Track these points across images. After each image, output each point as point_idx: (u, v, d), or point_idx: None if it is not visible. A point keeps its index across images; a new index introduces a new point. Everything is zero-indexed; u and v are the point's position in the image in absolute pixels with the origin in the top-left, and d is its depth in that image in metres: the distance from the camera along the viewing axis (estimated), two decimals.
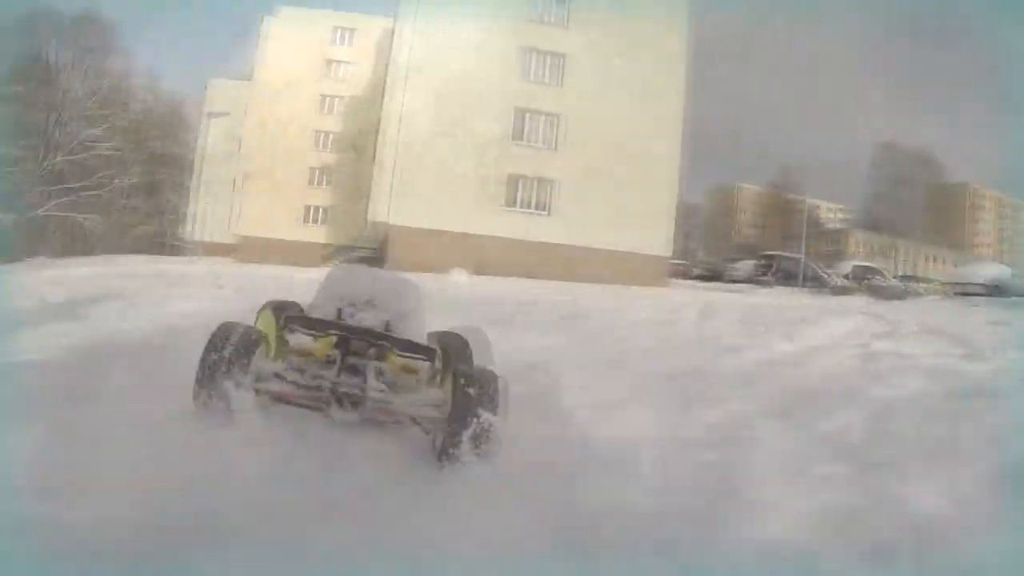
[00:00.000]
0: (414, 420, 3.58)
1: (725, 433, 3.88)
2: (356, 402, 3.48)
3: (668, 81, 33.43)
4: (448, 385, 3.57)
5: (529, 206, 32.25)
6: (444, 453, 3.23)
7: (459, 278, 22.87)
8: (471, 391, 3.30)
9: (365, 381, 3.55)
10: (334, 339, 3.75)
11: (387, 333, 3.82)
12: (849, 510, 2.94)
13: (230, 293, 12.39)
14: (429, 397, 3.59)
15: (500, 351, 5.85)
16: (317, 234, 47.71)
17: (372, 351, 3.73)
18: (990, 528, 2.86)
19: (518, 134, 32.80)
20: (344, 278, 4.42)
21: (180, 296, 11.26)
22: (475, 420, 3.22)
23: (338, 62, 50.45)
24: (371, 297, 4.05)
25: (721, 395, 4.87)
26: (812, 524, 2.85)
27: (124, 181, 59.61)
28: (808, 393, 5.01)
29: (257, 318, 4.53)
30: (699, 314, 11.42)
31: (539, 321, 9.51)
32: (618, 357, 6.72)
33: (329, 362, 3.67)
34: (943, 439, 3.74)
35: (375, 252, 37.56)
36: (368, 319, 3.88)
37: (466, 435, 3.19)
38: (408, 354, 3.78)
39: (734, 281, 38.73)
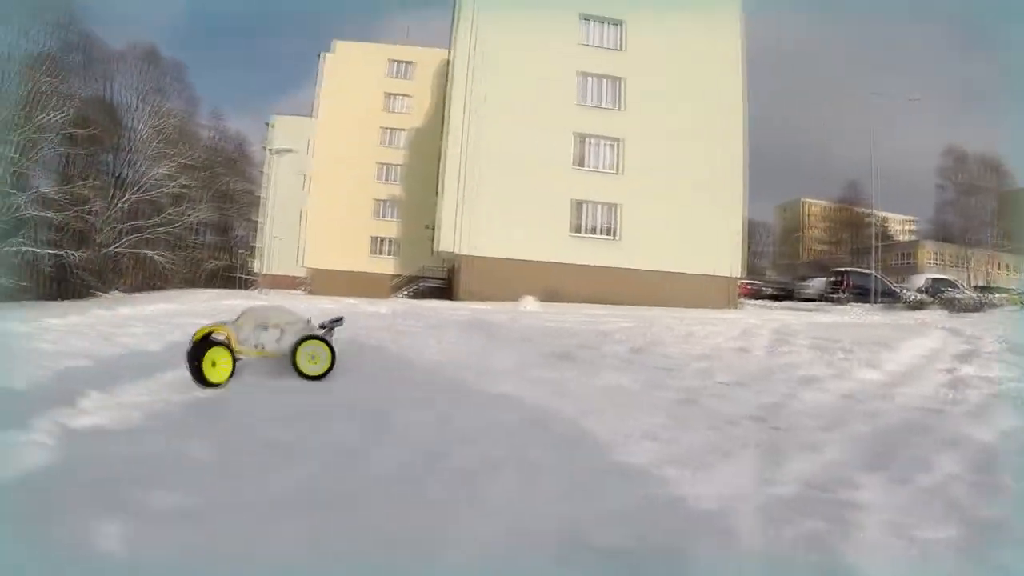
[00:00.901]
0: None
1: (822, 491, 3.60)
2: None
3: (727, 98, 33.39)
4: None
5: (595, 231, 32.24)
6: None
7: (530, 306, 22.72)
8: None
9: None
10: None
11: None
12: None
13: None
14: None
15: (568, 391, 6.39)
16: (386, 265, 48.41)
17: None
18: None
19: (581, 159, 32.82)
20: (255, 308, 7.25)
21: None
22: None
23: (397, 95, 51.24)
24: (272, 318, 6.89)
25: (810, 440, 4.59)
26: None
27: (193, 217, 60.96)
28: (903, 434, 4.71)
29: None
30: (773, 339, 10.83)
31: (610, 355, 9.05)
32: (690, 396, 6.40)
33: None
34: None
35: (444, 282, 37.70)
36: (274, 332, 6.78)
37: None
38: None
39: (806, 300, 38.34)
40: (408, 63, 52.01)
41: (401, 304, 23.04)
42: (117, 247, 55.88)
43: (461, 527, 3.18)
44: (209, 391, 6.10)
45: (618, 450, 4.38)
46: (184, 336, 11.02)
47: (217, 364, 6.13)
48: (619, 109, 33.40)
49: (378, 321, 14.03)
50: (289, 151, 41.27)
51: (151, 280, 57.88)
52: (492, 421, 5.05)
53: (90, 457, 4.22)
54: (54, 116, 51.88)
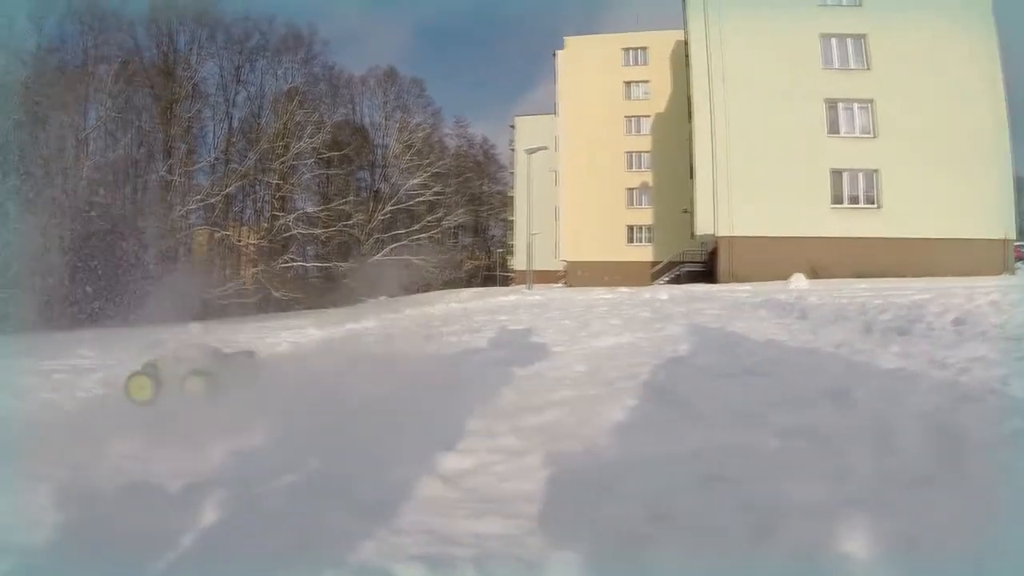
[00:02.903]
0: None
1: None
2: None
3: (980, 42, 31.32)
4: None
5: (856, 201, 31.70)
6: None
7: (800, 284, 22.73)
8: None
9: None
10: None
11: None
12: None
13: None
14: None
15: (947, 363, 5.91)
16: (643, 253, 48.96)
17: None
18: None
19: (833, 126, 32.36)
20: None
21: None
22: None
23: (636, 82, 51.72)
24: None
25: None
26: None
27: (449, 222, 64.42)
28: None
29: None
30: None
31: (938, 327, 8.15)
32: None
33: None
34: None
35: (703, 266, 37.94)
36: None
37: None
38: None
39: None
40: (642, 49, 52.45)
41: (674, 290, 23.25)
42: (380, 256, 60.09)
43: None
44: None
45: None
46: (497, 329, 12.11)
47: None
48: (866, 68, 32.41)
49: (675, 307, 14.21)
50: (543, 149, 42.53)
51: (414, 284, 61.75)
52: (940, 394, 4.98)
53: None
54: (309, 143, 56.33)
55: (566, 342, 9.63)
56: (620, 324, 11.41)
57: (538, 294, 26.82)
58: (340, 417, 5.76)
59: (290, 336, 12.87)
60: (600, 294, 21.70)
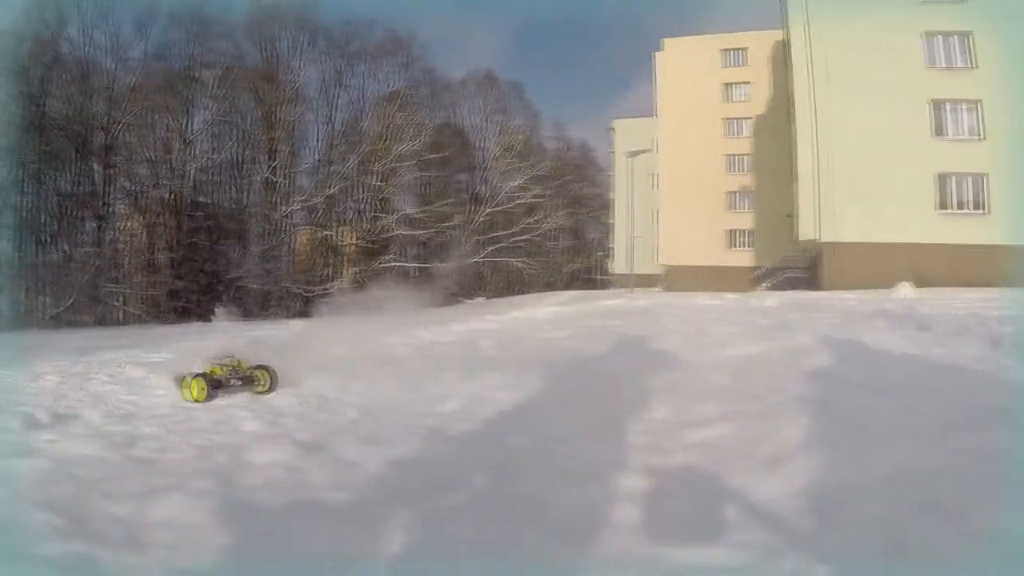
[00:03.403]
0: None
1: None
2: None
3: None
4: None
5: (963, 206, 30.78)
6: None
7: (908, 293, 22.38)
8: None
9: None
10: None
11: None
12: None
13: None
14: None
15: None
16: (743, 258, 48.53)
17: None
18: None
19: (939, 128, 31.43)
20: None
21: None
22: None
23: (735, 83, 51.27)
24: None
25: None
26: None
27: (548, 224, 65.01)
28: None
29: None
30: None
31: None
32: None
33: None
34: None
35: (805, 271, 37.35)
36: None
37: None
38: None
39: None
40: (741, 50, 51.90)
41: (779, 297, 22.83)
42: (480, 257, 61.04)
43: None
44: None
45: None
46: (614, 335, 12.22)
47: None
48: (972, 67, 31.25)
49: (787, 315, 14.29)
50: (645, 152, 42.62)
51: (512, 285, 62.53)
52: None
53: None
54: (410, 145, 57.50)
55: (692, 351, 9.51)
56: (740, 332, 11.43)
57: (643, 299, 26.83)
58: (485, 429, 5.72)
59: (394, 339, 13.13)
60: (706, 300, 21.63)
